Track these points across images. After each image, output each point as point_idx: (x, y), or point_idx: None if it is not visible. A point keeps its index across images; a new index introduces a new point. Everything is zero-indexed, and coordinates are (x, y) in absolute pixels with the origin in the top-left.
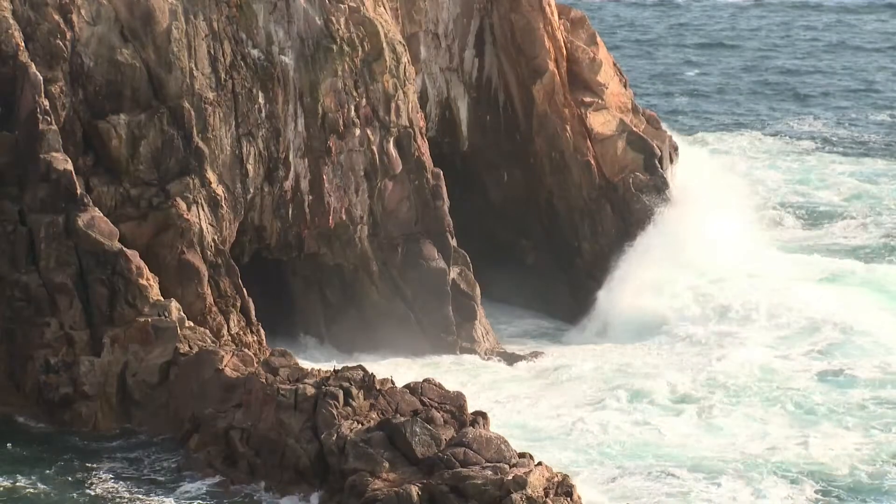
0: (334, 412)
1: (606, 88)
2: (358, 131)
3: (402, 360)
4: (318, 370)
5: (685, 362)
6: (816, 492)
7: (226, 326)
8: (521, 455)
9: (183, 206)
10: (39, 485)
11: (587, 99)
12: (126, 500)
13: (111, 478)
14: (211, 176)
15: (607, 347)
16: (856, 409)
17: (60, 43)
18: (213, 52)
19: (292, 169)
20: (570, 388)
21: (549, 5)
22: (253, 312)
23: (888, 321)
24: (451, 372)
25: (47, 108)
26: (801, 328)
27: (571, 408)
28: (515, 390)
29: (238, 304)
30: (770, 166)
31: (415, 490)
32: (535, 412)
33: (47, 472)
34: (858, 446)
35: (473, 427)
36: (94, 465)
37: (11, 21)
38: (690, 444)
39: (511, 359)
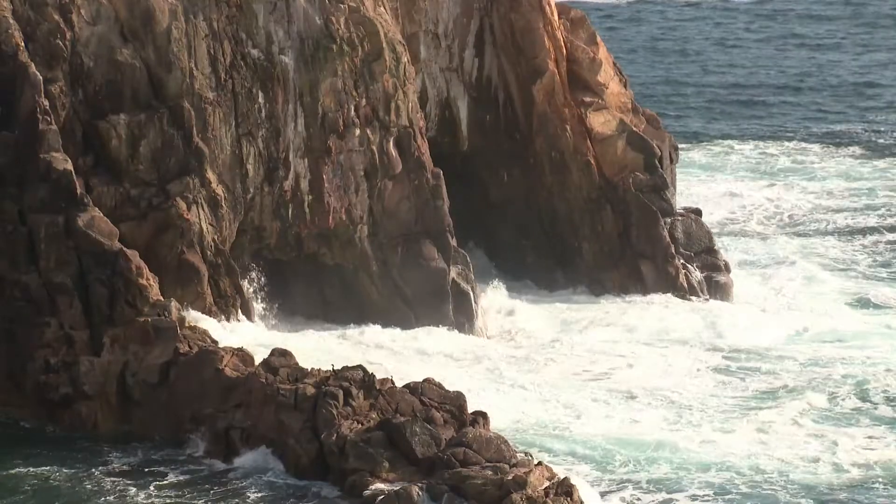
0: (334, 412)
1: (606, 88)
2: (358, 131)
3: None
4: (318, 370)
5: None
6: None
7: None
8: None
9: (183, 206)
10: (39, 484)
11: (587, 99)
12: (125, 499)
13: (111, 477)
14: (211, 176)
15: None
16: None
17: (60, 43)
18: (213, 52)
19: (292, 169)
20: None
21: (549, 5)
22: (253, 312)
23: None
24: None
25: (47, 108)
26: None
27: None
28: None
29: (238, 304)
30: None
31: (415, 490)
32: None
33: (47, 471)
34: None
35: (473, 427)
36: (94, 465)
37: (11, 21)
38: None
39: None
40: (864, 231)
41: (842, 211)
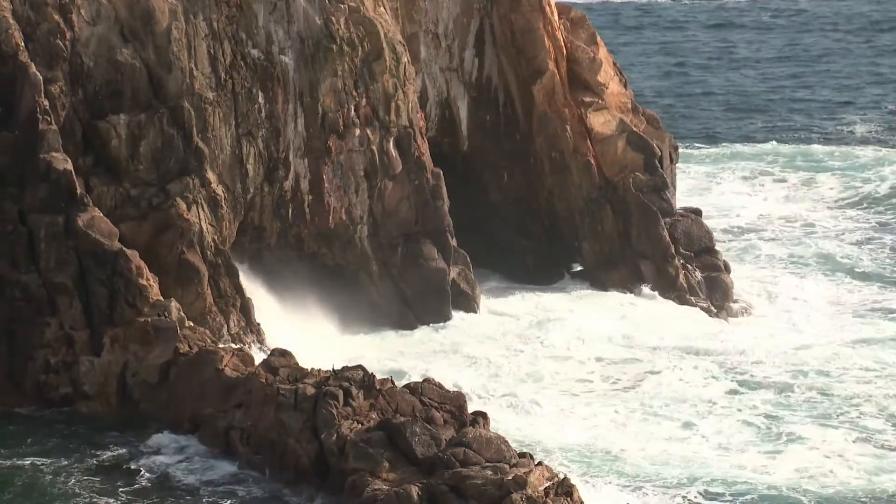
0: (334, 412)
1: (606, 88)
2: (358, 131)
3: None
4: (318, 370)
5: None
6: None
7: (226, 326)
8: (522, 455)
9: (183, 206)
10: (38, 482)
11: (587, 99)
12: (125, 495)
13: (92, 471)
14: (211, 176)
15: None
16: None
17: (60, 43)
18: (213, 52)
19: (292, 169)
20: None
21: (549, 5)
22: (253, 312)
23: None
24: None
25: (47, 108)
26: None
27: None
28: None
29: (238, 304)
30: None
31: (415, 490)
32: None
33: (47, 468)
34: None
35: (473, 427)
36: (95, 462)
37: (11, 21)
38: None
39: None
40: (880, 234)
41: (851, 211)
